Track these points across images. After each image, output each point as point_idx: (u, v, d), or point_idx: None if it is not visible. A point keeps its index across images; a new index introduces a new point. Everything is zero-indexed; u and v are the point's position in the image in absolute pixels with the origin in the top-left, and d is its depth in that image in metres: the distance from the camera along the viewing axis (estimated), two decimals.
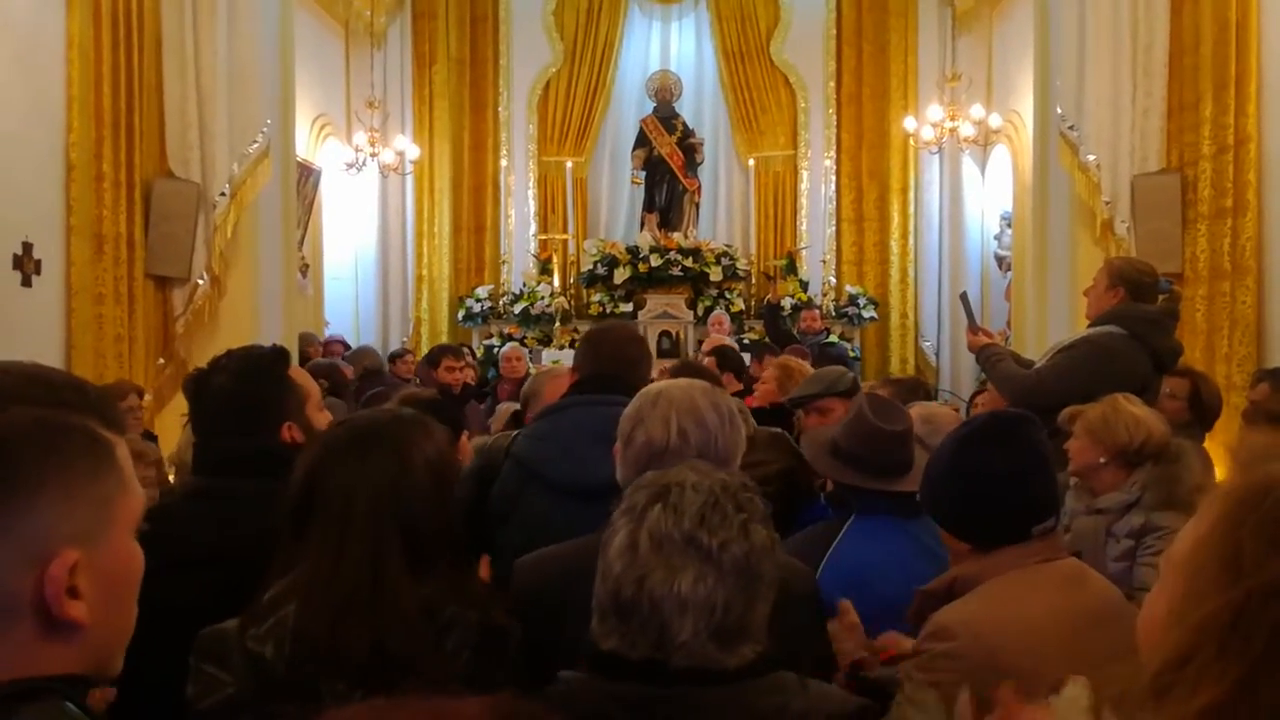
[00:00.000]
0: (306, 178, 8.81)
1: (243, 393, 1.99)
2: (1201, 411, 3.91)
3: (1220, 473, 4.82)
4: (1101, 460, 2.91)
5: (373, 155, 10.20)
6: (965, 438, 1.95)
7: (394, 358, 8.56)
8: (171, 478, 3.15)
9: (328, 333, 9.30)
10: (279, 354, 2.08)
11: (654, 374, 3.25)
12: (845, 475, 2.49)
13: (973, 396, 7.06)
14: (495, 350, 9.68)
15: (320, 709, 1.41)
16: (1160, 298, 3.85)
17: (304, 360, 7.34)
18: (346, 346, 8.87)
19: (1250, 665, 0.77)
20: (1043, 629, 1.78)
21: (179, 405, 5.98)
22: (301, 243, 8.50)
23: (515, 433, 2.63)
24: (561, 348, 10.24)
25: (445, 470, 1.71)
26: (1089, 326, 3.81)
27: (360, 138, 10.14)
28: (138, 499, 0.97)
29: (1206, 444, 5.04)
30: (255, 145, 6.68)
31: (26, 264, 5.23)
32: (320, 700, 1.46)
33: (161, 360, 6.34)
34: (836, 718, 1.37)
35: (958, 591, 1.88)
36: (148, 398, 6.01)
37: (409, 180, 10.91)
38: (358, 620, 1.50)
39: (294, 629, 1.51)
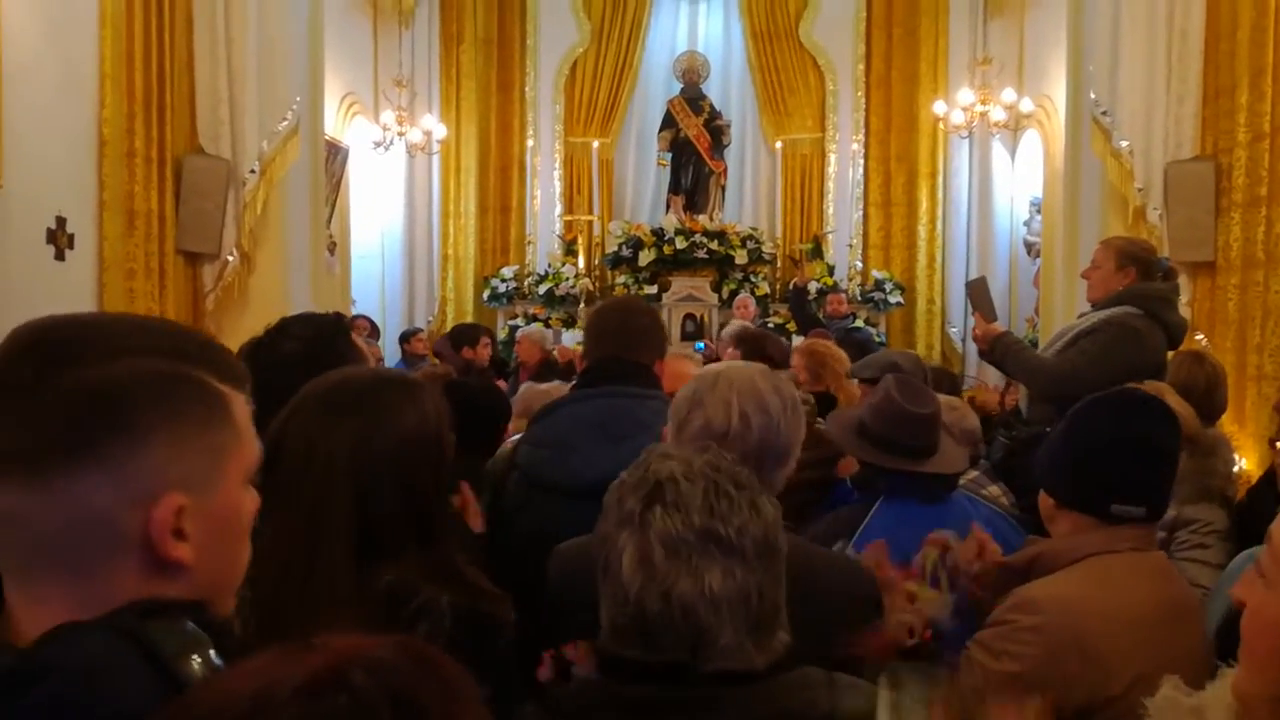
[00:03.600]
0: (334, 156, 8.84)
1: (313, 357, 1.92)
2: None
3: (1251, 464, 4.78)
4: None
5: (400, 134, 10.22)
6: (1092, 403, 1.98)
7: (407, 337, 8.71)
8: None
9: (354, 310, 9.36)
10: (339, 320, 2.08)
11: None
12: (872, 455, 2.49)
13: (1006, 384, 7.02)
14: (517, 332, 9.72)
15: None
16: (1158, 275, 3.81)
17: None
18: (373, 325, 8.94)
19: None
20: (1130, 617, 1.78)
21: None
22: (329, 221, 8.54)
23: (515, 440, 2.51)
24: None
25: (428, 443, 1.55)
26: (1096, 308, 3.77)
27: (388, 116, 10.16)
28: (252, 451, 1.00)
29: (1236, 434, 5.01)
30: (285, 123, 6.70)
31: (60, 238, 5.28)
32: None
33: None
34: (864, 715, 1.31)
35: (1039, 568, 1.88)
36: None
37: (435, 160, 10.92)
38: (289, 603, 1.38)
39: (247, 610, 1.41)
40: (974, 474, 3.03)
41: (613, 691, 1.23)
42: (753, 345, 3.50)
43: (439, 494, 1.57)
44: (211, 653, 0.88)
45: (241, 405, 0.99)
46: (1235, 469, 3.24)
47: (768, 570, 1.22)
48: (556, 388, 4.27)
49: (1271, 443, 2.45)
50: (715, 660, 1.19)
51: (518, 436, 2.57)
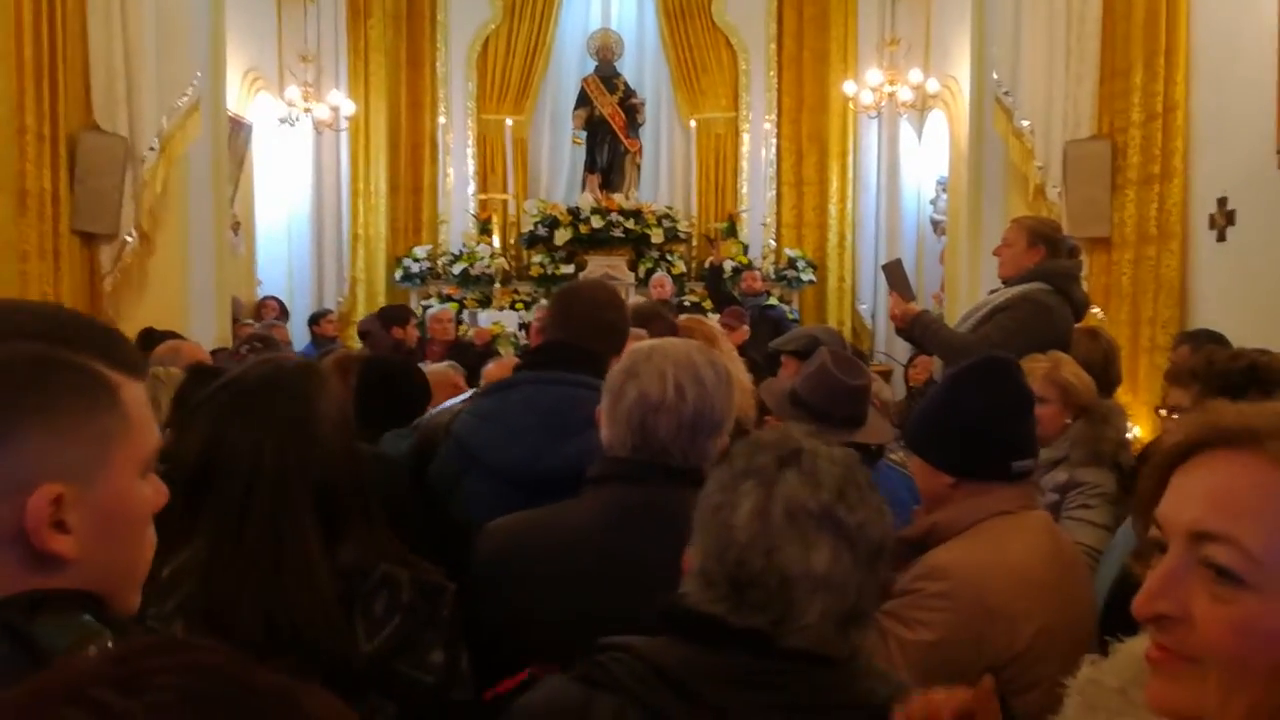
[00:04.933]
0: (237, 133, 8.59)
1: None
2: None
3: (1144, 432, 4.99)
4: (1068, 420, 3.01)
5: (306, 111, 9.98)
6: (962, 373, 2.04)
7: (316, 319, 8.58)
8: None
9: (260, 292, 9.15)
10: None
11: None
12: (805, 424, 2.55)
13: (911, 358, 7.19)
14: (428, 312, 9.61)
15: None
16: (1065, 253, 3.97)
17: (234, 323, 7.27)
18: (282, 306, 8.75)
19: None
20: (1030, 574, 1.87)
21: None
22: (233, 200, 8.31)
23: (457, 407, 2.42)
24: (501, 309, 10.18)
25: (347, 423, 1.59)
26: (1007, 284, 3.90)
27: (293, 92, 9.90)
28: (147, 440, 0.95)
29: (1129, 403, 5.21)
30: (185, 98, 6.50)
31: None
32: None
33: None
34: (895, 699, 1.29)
35: (935, 537, 1.94)
36: None
37: (344, 137, 10.68)
38: (258, 592, 1.40)
39: (202, 606, 1.42)
40: None
41: (687, 655, 1.17)
42: (639, 321, 3.50)
43: (364, 469, 1.60)
44: (109, 645, 0.84)
45: (135, 392, 0.94)
46: (1129, 436, 3.38)
47: (872, 574, 1.19)
48: (447, 369, 4.24)
49: (1158, 410, 2.57)
50: (794, 638, 1.15)
51: (454, 403, 2.50)
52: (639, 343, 1.89)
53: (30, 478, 0.86)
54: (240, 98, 8.90)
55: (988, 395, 1.98)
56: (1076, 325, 3.82)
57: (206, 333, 6.47)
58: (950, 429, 2.00)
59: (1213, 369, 2.30)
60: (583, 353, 2.23)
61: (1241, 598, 0.82)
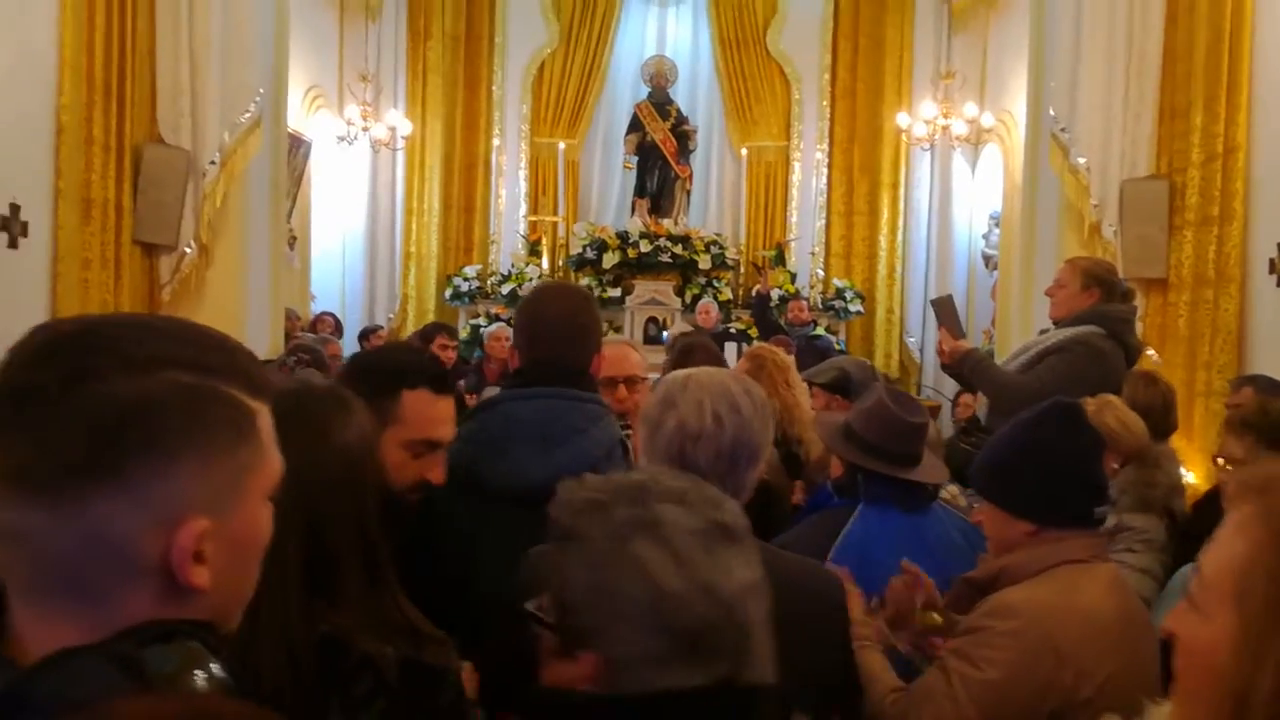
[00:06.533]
0: (297, 149, 8.76)
1: None
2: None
3: (1199, 478, 4.88)
4: (1115, 466, 2.97)
5: (364, 129, 10.15)
6: (1039, 418, 2.02)
7: (366, 334, 8.67)
8: None
9: (314, 307, 9.28)
10: None
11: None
12: (861, 459, 2.51)
13: (958, 395, 7.11)
14: (481, 330, 9.68)
15: None
16: (1119, 296, 3.91)
17: (287, 337, 7.37)
18: (336, 321, 8.87)
19: None
20: (1100, 624, 1.84)
21: None
22: (290, 214, 8.46)
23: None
24: None
25: (364, 464, 1.40)
26: (1060, 326, 3.85)
27: (352, 111, 10.08)
28: (275, 466, 0.96)
29: (1184, 448, 5.11)
30: (247, 114, 6.64)
31: (13, 226, 5.19)
32: None
33: None
34: None
35: (1003, 581, 1.92)
36: None
37: (400, 156, 10.85)
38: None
39: None
40: None
41: None
42: (679, 358, 3.50)
43: (379, 523, 1.42)
44: (214, 666, 0.84)
45: (266, 419, 0.95)
46: (1181, 482, 3.32)
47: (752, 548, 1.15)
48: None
49: (1215, 459, 2.51)
50: (758, 668, 1.08)
51: None
52: (674, 372, 1.89)
53: (179, 512, 0.86)
54: (301, 115, 9.08)
55: (1068, 440, 1.96)
56: (1132, 369, 3.77)
57: (260, 345, 6.58)
58: (1033, 476, 1.96)
59: (1267, 419, 2.25)
60: (564, 372, 2.21)
61: (1190, 618, 0.91)
